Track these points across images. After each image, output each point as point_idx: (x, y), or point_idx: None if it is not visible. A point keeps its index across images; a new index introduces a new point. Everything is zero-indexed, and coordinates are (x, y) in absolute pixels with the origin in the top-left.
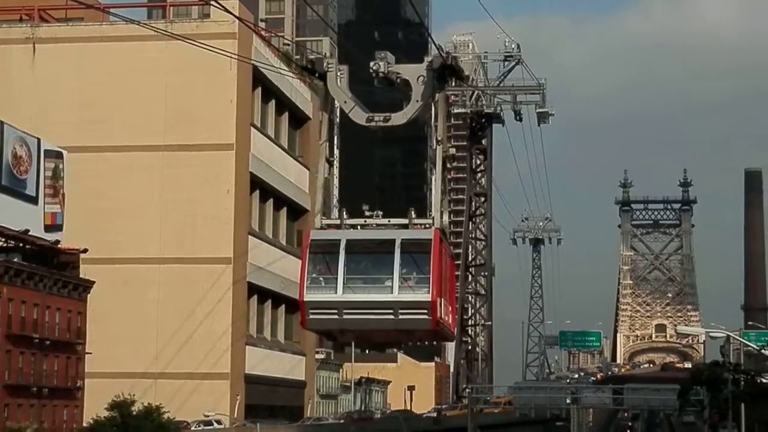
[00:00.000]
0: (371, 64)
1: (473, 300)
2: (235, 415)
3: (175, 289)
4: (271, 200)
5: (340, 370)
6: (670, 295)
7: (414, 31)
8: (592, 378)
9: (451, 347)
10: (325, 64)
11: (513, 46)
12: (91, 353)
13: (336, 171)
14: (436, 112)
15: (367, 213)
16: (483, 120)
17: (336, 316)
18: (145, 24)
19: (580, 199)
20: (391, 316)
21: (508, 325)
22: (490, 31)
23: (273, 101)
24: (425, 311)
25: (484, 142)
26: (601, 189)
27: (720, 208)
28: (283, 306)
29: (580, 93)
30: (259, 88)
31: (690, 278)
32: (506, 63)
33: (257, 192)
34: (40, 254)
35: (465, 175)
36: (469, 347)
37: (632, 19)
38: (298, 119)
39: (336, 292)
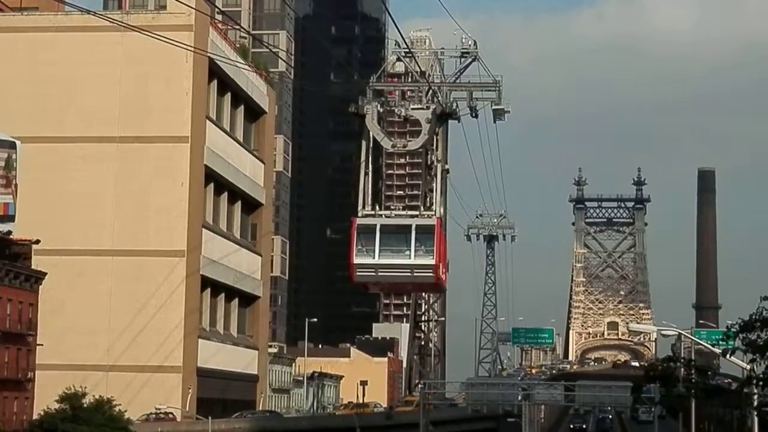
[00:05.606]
0: (395, 110)
1: (426, 295)
2: (187, 409)
3: (127, 282)
4: (226, 193)
5: (293, 364)
6: (622, 293)
7: (371, 26)
8: (542, 375)
9: (404, 343)
10: (364, 108)
11: (470, 42)
12: (42, 345)
13: (370, 178)
14: (438, 139)
15: (392, 207)
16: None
17: (373, 273)
18: (100, 14)
19: (534, 196)
20: (409, 274)
21: (461, 321)
22: (447, 28)
23: (229, 94)
24: (430, 271)
25: None
26: (556, 187)
27: (673, 207)
28: (237, 300)
29: (535, 91)
30: (215, 81)
31: (642, 276)
32: (463, 59)
33: (212, 185)
34: None
35: (420, 171)
36: (422, 342)
37: (586, 19)
38: (254, 113)
39: (374, 258)
